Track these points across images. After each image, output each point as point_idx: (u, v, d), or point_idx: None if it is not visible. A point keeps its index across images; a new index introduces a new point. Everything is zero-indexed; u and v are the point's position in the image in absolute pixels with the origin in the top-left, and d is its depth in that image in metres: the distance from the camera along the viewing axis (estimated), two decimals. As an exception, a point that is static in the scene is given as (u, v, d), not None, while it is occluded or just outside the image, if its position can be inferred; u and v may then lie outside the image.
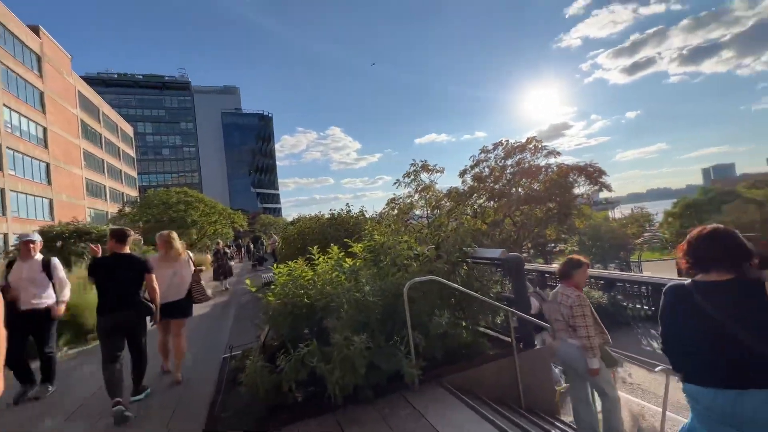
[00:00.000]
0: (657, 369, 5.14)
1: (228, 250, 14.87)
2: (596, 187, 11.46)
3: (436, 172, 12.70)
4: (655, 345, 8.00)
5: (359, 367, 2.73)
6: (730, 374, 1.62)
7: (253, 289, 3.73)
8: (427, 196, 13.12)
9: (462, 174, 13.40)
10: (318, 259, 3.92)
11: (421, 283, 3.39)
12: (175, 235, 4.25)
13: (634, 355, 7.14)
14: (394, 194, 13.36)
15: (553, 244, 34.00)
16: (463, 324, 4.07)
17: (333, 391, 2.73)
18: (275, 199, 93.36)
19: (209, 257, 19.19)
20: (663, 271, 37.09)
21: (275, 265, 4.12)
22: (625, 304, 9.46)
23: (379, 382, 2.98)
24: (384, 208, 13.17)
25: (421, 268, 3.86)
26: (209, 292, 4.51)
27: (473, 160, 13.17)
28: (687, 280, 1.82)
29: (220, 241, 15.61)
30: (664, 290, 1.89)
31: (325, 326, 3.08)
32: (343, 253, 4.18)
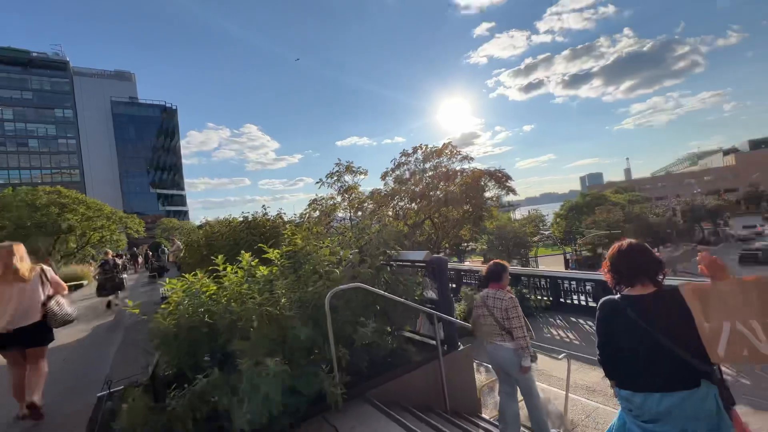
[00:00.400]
0: (560, 357, 5.62)
1: (120, 261, 12.67)
2: (504, 191, 12.62)
3: (360, 174, 12.61)
4: (554, 332, 8.93)
5: (274, 395, 2.33)
6: (656, 380, 1.78)
7: (136, 310, 3.02)
8: (351, 197, 12.93)
9: (384, 176, 13.58)
10: (224, 269, 3.37)
11: (345, 291, 3.12)
12: (18, 249, 3.29)
13: (538, 343, 7.88)
14: (316, 195, 12.93)
15: (466, 244, 36.73)
16: (389, 330, 3.92)
17: (241, 428, 2.29)
18: (181, 200, 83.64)
19: (91, 269, 16.13)
20: (555, 264, 42.80)
21: (170, 279, 3.45)
22: (529, 296, 10.45)
23: (299, 407, 2.62)
24: (305, 210, 12.64)
25: (345, 275, 3.59)
26: (70, 310, 3.60)
27: (395, 163, 13.47)
28: (617, 295, 1.96)
29: (108, 250, 13.26)
30: (598, 305, 2.02)
31: (231, 350, 2.60)
32: (256, 261, 3.68)
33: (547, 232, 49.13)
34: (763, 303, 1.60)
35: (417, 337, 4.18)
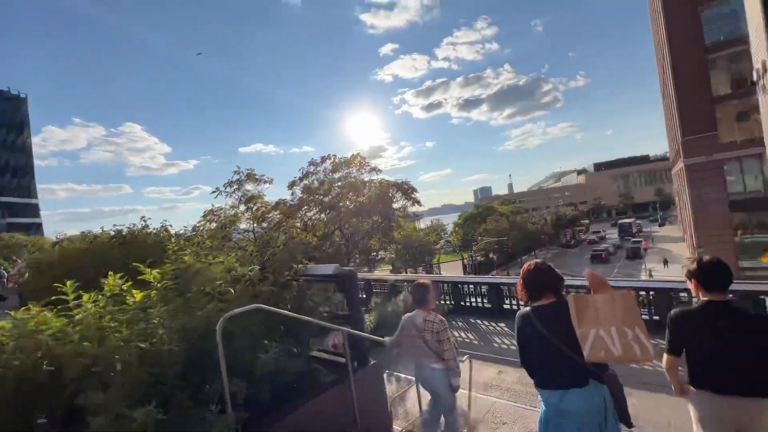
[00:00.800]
0: (464, 359, 5.92)
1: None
2: (410, 202, 13.25)
3: (264, 183, 11.80)
4: (456, 334, 9.53)
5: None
6: (556, 379, 2.07)
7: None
8: (254, 207, 11.99)
9: (291, 186, 12.96)
10: (78, 298, 2.64)
11: (242, 313, 2.73)
12: None
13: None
14: (213, 205, 11.60)
15: (375, 253, 37.58)
16: (296, 352, 3.59)
17: None
18: (31, 211, 67.32)
19: None
20: (454, 269, 46.52)
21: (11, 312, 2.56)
22: (436, 301, 11.01)
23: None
24: (200, 222, 11.21)
25: (243, 294, 3.17)
26: None
27: (303, 172, 12.99)
28: (528, 308, 2.25)
29: None
30: (516, 317, 2.30)
31: (82, 406, 1.99)
32: (128, 285, 2.99)
33: (446, 241, 53.34)
34: (623, 314, 1.92)
35: (327, 357, 3.93)
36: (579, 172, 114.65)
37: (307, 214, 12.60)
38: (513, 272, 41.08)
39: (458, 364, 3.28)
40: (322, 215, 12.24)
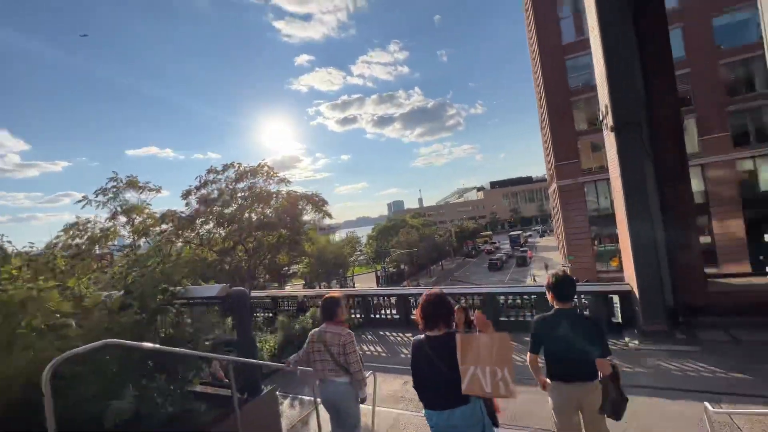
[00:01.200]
0: (368, 374, 5.87)
1: None
2: (321, 215, 12.93)
3: (150, 191, 10.19)
4: (365, 348, 9.49)
5: None
6: (445, 400, 2.32)
7: None
8: (137, 219, 10.27)
9: (186, 195, 11.43)
10: None
11: (88, 352, 2.19)
12: None
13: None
14: (78, 217, 9.43)
15: (286, 268, 35.85)
16: (170, 389, 3.05)
17: None
18: None
19: None
20: (368, 281, 47.03)
21: None
22: (345, 315, 10.83)
23: None
24: (57, 237, 9.02)
25: (96, 327, 2.59)
26: None
27: (200, 181, 11.60)
28: (423, 336, 2.46)
29: None
30: (412, 343, 2.49)
31: None
32: None
33: (361, 253, 53.93)
34: (498, 355, 2.26)
35: (210, 389, 3.45)
36: (478, 189, 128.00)
37: (204, 227, 11.28)
38: (422, 281, 43.32)
39: (364, 376, 3.27)
40: (219, 229, 11.06)
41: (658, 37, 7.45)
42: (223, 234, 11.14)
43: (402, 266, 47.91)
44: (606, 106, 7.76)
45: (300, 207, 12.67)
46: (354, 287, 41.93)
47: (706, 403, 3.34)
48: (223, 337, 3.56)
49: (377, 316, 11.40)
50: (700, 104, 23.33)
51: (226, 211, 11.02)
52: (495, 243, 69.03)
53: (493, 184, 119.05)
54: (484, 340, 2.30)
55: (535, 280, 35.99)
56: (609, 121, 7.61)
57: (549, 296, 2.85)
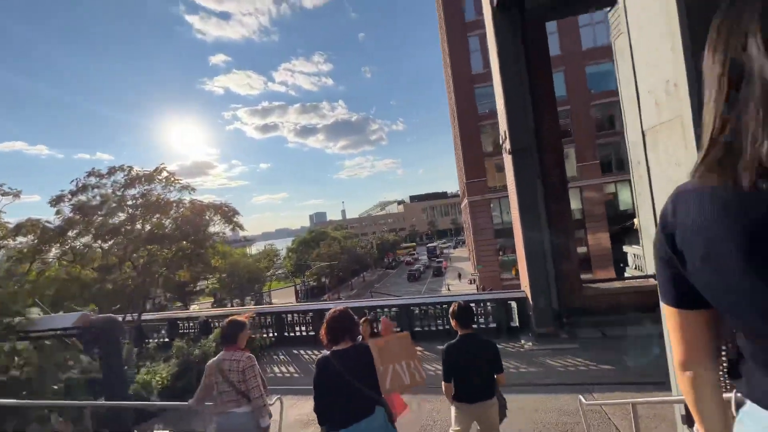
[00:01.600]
0: (273, 401, 5.47)
1: None
2: (231, 226, 11.87)
3: (4, 195, 8.10)
4: (276, 370, 8.87)
5: None
6: (352, 414, 2.33)
7: None
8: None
9: (56, 202, 9.34)
10: None
11: None
12: None
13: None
14: None
15: (192, 285, 32.20)
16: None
17: None
18: None
19: None
20: (286, 296, 44.88)
21: None
22: (254, 336, 10.02)
23: None
24: None
25: None
26: None
27: (77, 185, 9.61)
28: (329, 352, 2.45)
29: None
30: (316, 362, 2.44)
31: None
32: None
33: (280, 267, 51.44)
34: (406, 351, 2.66)
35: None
36: (399, 203, 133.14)
37: (80, 239, 9.34)
38: (344, 295, 42.87)
39: (266, 402, 3.04)
40: (98, 242, 9.27)
41: (545, 78, 8.64)
42: (105, 248, 9.38)
43: (323, 279, 46.88)
44: (505, 132, 8.68)
45: (207, 217, 11.49)
46: (271, 303, 39.57)
47: (580, 396, 3.79)
48: (87, 374, 2.91)
49: (292, 334, 10.81)
50: (577, 136, 27.81)
51: (110, 220, 9.35)
52: (414, 254, 72.09)
53: (413, 198, 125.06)
54: (393, 340, 2.64)
55: (449, 288, 38.30)
56: (507, 145, 8.53)
57: (453, 323, 3.05)
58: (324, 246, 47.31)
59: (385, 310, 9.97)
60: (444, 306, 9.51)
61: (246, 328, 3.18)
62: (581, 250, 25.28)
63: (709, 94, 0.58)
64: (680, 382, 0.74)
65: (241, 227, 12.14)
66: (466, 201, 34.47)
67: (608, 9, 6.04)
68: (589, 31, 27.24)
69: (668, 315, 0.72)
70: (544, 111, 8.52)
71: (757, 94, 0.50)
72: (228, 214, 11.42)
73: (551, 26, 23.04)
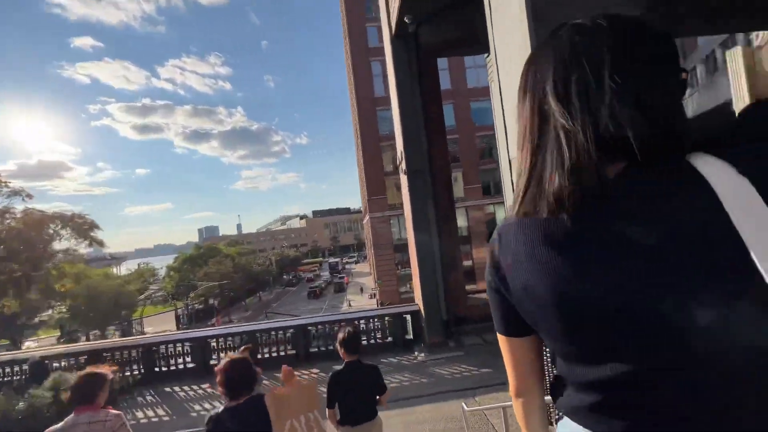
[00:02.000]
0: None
1: None
2: (87, 242, 9.67)
3: None
4: (141, 414, 7.43)
5: None
6: None
7: None
8: None
9: None
10: None
11: None
12: None
13: None
14: None
15: (28, 317, 25.23)
16: None
17: None
18: None
19: None
20: (165, 323, 38.81)
21: None
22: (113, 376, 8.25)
23: None
24: None
25: None
26: None
27: None
28: (221, 409, 2.22)
29: None
30: (207, 421, 2.22)
31: None
32: None
33: (157, 289, 44.57)
34: (307, 401, 2.43)
35: None
36: (301, 217, 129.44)
37: None
38: (236, 316, 39.07)
39: None
40: None
41: (436, 107, 9.51)
42: None
43: (211, 301, 42.06)
44: (401, 153, 9.20)
45: (51, 231, 9.20)
46: (143, 332, 33.57)
47: (463, 403, 4.05)
48: None
49: (165, 368, 9.23)
50: (464, 162, 31.36)
51: None
52: (315, 271, 70.45)
53: (316, 213, 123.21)
54: (293, 392, 2.42)
55: (350, 304, 38.30)
56: (403, 166, 9.04)
57: (341, 352, 3.07)
58: (214, 264, 42.72)
59: (280, 333, 9.33)
60: (342, 324, 9.37)
61: (107, 381, 2.49)
62: (467, 263, 28.19)
63: (523, 136, 0.64)
64: (515, 407, 0.79)
65: (101, 243, 10.05)
66: (367, 217, 35.39)
67: (486, 54, 7.01)
68: (474, 72, 31.42)
69: (501, 344, 0.76)
70: (435, 137, 9.33)
71: (551, 137, 0.57)
72: (83, 226, 9.33)
73: (443, 63, 25.81)
